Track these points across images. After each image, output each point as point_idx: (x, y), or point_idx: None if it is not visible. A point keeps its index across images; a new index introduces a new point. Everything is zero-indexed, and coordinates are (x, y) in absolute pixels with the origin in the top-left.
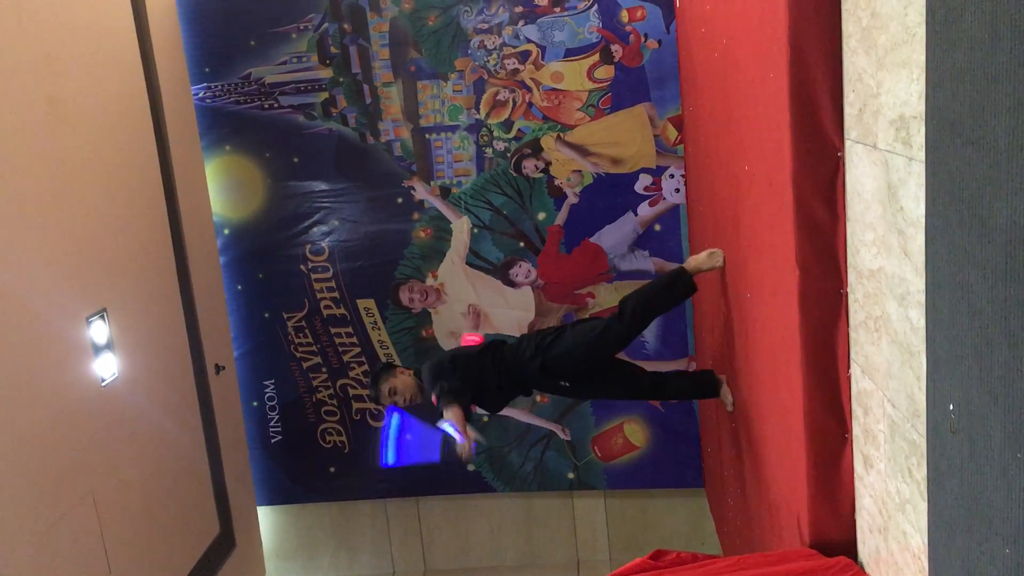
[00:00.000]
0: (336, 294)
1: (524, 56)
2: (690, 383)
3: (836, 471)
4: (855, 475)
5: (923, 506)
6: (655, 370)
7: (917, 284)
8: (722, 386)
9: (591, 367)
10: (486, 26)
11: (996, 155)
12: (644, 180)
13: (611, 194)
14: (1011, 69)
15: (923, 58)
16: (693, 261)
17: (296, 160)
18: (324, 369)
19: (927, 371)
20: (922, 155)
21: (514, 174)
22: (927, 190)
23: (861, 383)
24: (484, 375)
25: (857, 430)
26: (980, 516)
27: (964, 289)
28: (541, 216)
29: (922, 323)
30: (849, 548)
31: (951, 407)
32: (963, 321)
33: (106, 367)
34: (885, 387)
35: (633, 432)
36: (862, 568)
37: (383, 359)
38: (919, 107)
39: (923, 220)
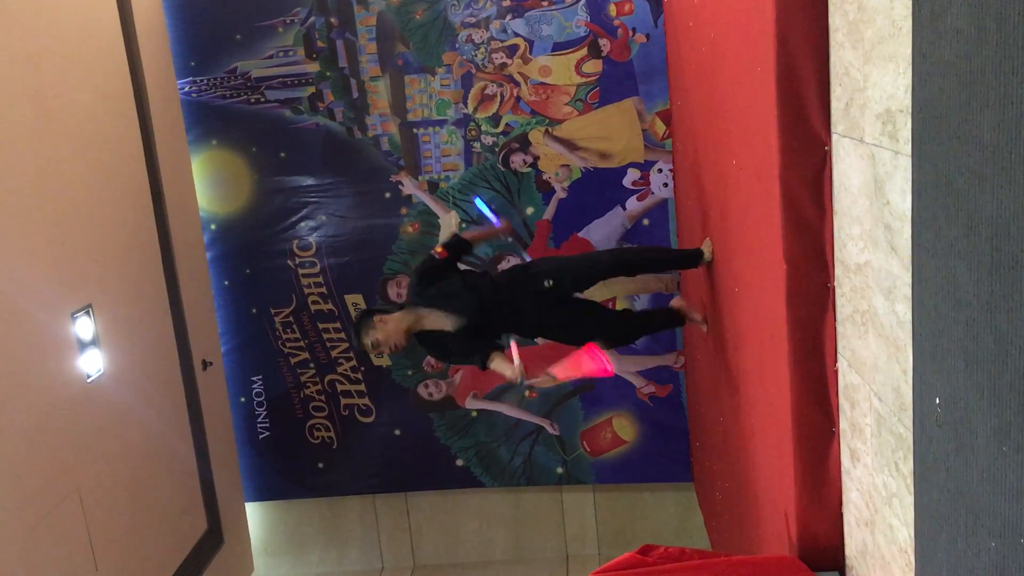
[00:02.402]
0: (324, 289)
1: (512, 50)
2: (658, 317)
3: (823, 465)
4: (842, 469)
5: (909, 500)
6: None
7: (904, 278)
8: (692, 312)
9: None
10: (474, 20)
11: (982, 149)
12: (632, 175)
13: (599, 189)
14: (997, 63)
15: (909, 52)
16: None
17: (283, 155)
18: (312, 365)
19: (913, 365)
20: (908, 149)
21: (502, 169)
22: (913, 184)
23: (848, 377)
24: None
25: (844, 424)
26: (966, 509)
27: (950, 283)
28: (529, 211)
29: (908, 317)
30: (836, 543)
31: (937, 401)
32: (949, 315)
33: (92, 363)
34: (872, 381)
35: (622, 427)
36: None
37: (372, 354)
38: (905, 101)
39: (909, 214)
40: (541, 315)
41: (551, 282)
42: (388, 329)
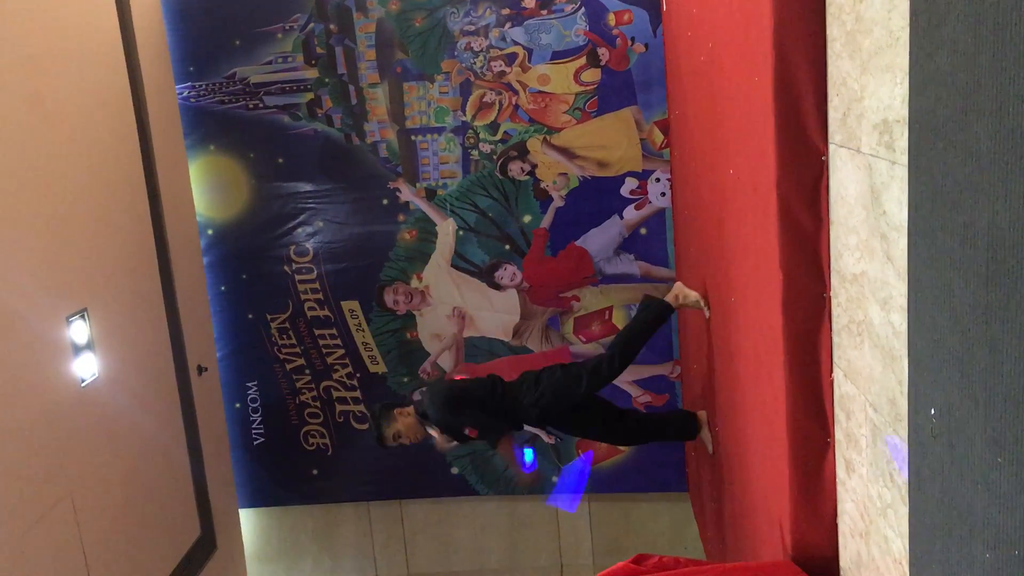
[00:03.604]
0: (320, 295)
1: (511, 58)
2: (671, 426)
3: (818, 475)
4: (837, 479)
5: (904, 511)
6: (639, 375)
7: (899, 288)
8: (703, 428)
9: (582, 405)
10: (473, 28)
11: (978, 159)
12: (630, 183)
13: (597, 197)
14: (993, 73)
15: (906, 62)
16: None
17: (281, 161)
18: (308, 371)
19: (909, 375)
20: (905, 159)
21: (500, 176)
22: (910, 194)
23: (843, 387)
24: (486, 410)
25: (839, 434)
26: (961, 521)
27: (946, 293)
28: (527, 219)
29: (904, 327)
30: (831, 554)
31: (932, 411)
32: (945, 325)
33: (86, 367)
34: (867, 391)
35: None
36: None
37: (367, 361)
38: (902, 111)
39: (906, 224)
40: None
41: (561, 428)
42: (408, 422)
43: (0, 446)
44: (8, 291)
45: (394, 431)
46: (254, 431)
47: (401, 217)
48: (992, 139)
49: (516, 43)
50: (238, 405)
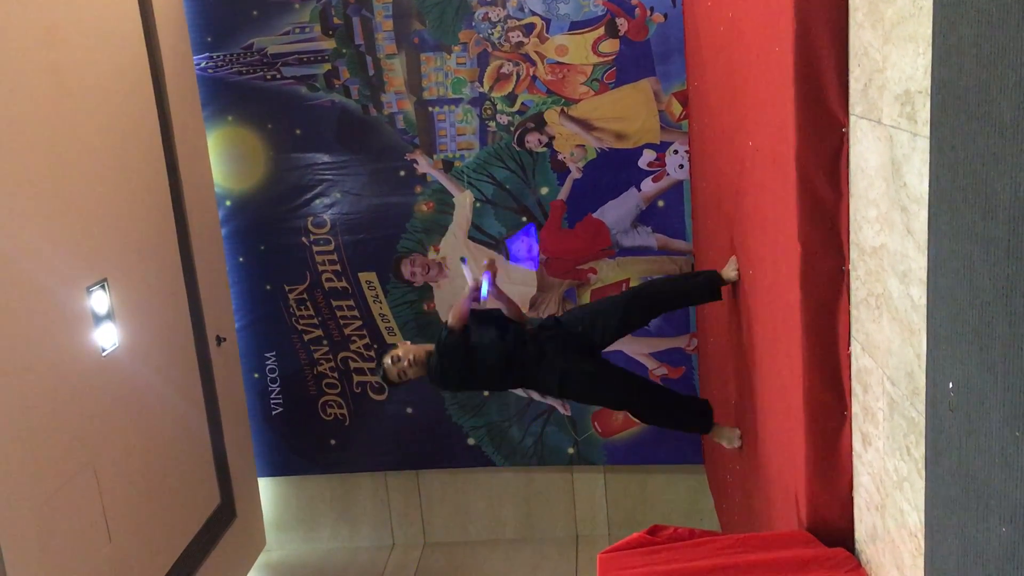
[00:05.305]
0: (338, 267)
1: (528, 29)
2: (687, 416)
3: (834, 449)
4: (853, 453)
5: (921, 484)
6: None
7: (919, 261)
8: (726, 428)
9: (601, 340)
10: None
11: (1001, 131)
12: (648, 155)
13: (614, 169)
14: (1018, 44)
15: (929, 32)
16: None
17: (298, 132)
18: (325, 342)
19: (927, 349)
20: (927, 131)
21: (517, 148)
22: (931, 166)
23: (861, 360)
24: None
25: (856, 408)
26: (977, 494)
27: (966, 266)
28: (544, 191)
29: (923, 301)
30: (846, 526)
31: (950, 385)
32: (964, 299)
33: (107, 337)
34: (885, 365)
35: None
36: (857, 557)
37: (384, 332)
38: (925, 82)
39: (926, 197)
40: (566, 375)
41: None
42: (408, 346)
43: (23, 414)
44: (29, 261)
45: (392, 355)
46: (272, 401)
47: (418, 188)
48: (1015, 110)
49: (534, 13)
50: (256, 375)
